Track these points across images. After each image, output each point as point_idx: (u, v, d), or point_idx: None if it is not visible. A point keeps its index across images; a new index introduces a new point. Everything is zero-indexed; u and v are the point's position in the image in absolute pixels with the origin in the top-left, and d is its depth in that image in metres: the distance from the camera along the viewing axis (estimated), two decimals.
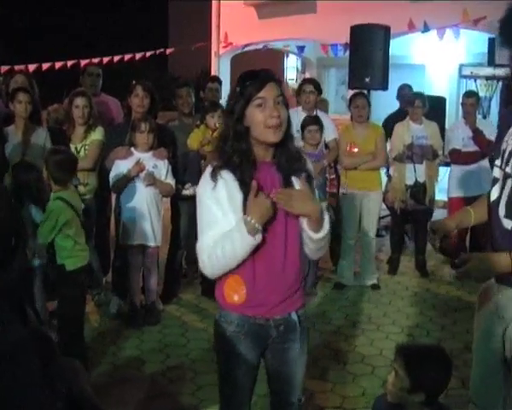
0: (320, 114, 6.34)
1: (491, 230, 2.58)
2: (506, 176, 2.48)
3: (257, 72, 2.49)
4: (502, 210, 2.49)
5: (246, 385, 2.63)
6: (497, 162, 2.56)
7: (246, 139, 2.42)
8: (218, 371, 2.68)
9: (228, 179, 2.41)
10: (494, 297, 2.58)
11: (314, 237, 2.51)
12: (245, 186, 2.38)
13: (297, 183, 2.47)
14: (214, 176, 2.42)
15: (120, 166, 5.15)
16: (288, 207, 2.41)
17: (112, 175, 5.19)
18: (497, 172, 2.56)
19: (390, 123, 7.21)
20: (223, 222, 2.40)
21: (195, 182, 5.57)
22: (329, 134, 6.28)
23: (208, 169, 2.48)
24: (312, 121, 5.96)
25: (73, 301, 4.19)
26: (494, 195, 2.55)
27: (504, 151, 2.52)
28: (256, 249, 2.41)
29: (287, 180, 2.48)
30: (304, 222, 2.50)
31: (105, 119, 6.05)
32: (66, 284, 4.16)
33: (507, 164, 2.48)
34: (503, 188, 2.49)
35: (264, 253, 2.44)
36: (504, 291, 2.53)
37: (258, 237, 2.36)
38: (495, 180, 2.56)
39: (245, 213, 2.37)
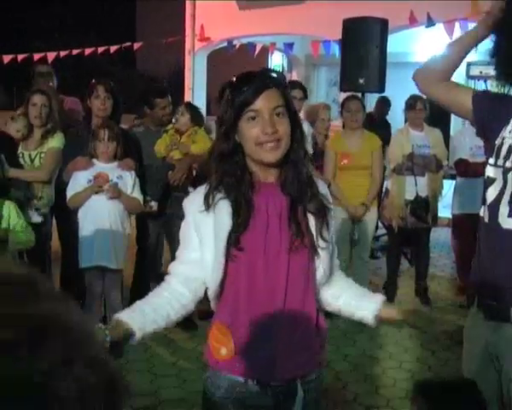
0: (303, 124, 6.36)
1: (486, 240, 2.59)
2: (507, 170, 2.48)
3: (253, 74, 2.29)
4: (505, 210, 2.48)
5: None
6: (491, 161, 2.56)
7: (238, 157, 2.28)
8: None
9: (222, 208, 2.26)
10: (483, 334, 2.59)
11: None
12: (238, 215, 2.24)
13: (310, 215, 2.35)
14: (207, 200, 2.28)
15: (79, 178, 5.12)
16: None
17: (69, 188, 5.15)
18: (491, 172, 2.55)
19: None
20: (197, 251, 2.32)
21: (156, 197, 5.65)
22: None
23: (203, 188, 2.33)
24: None
25: None
26: (491, 196, 2.54)
27: (500, 146, 2.53)
28: (249, 291, 2.25)
29: (294, 206, 2.32)
30: (366, 313, 2.48)
31: (68, 122, 6.05)
32: None
33: (507, 159, 2.49)
34: (504, 186, 2.49)
35: (259, 295, 2.26)
36: (497, 328, 2.54)
37: None
38: (490, 181, 2.55)
39: (233, 243, 2.24)
